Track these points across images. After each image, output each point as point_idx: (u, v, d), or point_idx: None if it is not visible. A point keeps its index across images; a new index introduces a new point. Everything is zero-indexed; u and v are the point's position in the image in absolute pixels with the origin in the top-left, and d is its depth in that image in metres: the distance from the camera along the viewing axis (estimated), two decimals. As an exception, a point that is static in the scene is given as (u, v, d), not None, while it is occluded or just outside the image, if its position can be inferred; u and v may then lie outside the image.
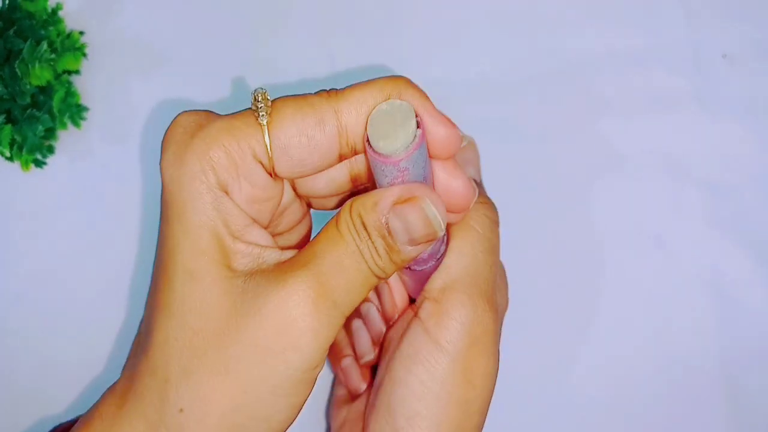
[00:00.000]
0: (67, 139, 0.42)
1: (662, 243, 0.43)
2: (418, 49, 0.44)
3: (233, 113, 0.28)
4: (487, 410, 0.32)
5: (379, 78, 0.29)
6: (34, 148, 0.40)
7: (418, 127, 0.28)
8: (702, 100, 0.44)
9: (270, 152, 0.28)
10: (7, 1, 0.40)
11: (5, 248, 0.41)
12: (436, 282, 0.31)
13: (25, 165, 0.40)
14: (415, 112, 0.28)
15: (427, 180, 0.29)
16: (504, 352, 0.39)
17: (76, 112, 0.41)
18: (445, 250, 0.32)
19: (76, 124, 0.41)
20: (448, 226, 0.32)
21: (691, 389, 0.42)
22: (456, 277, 0.31)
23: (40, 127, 0.40)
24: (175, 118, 0.28)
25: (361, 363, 0.36)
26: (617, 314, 0.42)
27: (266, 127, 0.28)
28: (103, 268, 0.41)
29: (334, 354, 0.38)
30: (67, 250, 0.41)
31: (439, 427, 0.31)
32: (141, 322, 0.31)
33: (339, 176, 0.31)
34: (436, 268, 0.32)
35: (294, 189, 0.31)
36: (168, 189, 0.28)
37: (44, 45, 0.39)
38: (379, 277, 0.28)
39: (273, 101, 0.28)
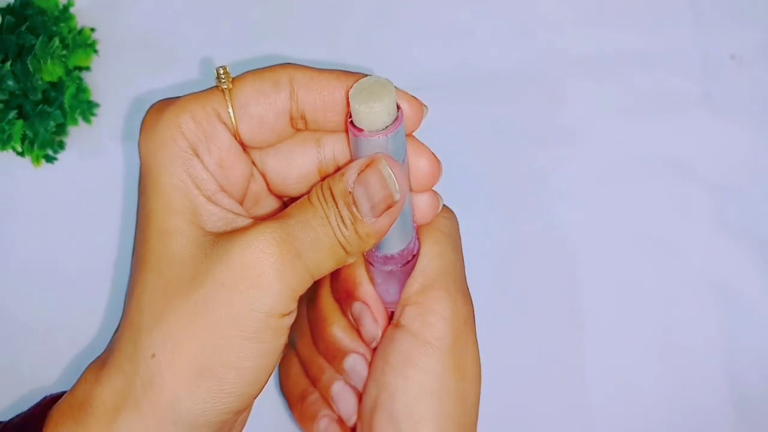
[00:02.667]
0: (77, 135, 0.42)
1: (669, 245, 0.43)
2: (421, 48, 0.44)
3: (199, 92, 0.31)
4: (479, 405, 0.33)
5: (338, 70, 0.31)
6: (45, 144, 0.40)
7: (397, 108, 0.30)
8: (710, 101, 0.44)
9: (233, 113, 0.30)
10: (19, -2, 0.40)
11: (16, 243, 0.41)
12: (413, 286, 0.33)
13: (36, 160, 0.40)
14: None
15: (405, 161, 0.31)
16: (507, 354, 0.39)
17: (87, 108, 0.41)
18: (418, 252, 0.33)
19: (87, 120, 0.41)
20: (419, 229, 0.33)
21: (696, 392, 0.42)
22: (432, 276, 0.33)
23: (52, 123, 0.40)
24: (149, 110, 0.31)
25: (348, 425, 0.35)
26: (623, 317, 0.42)
27: (228, 92, 0.30)
28: (113, 263, 0.41)
29: (305, 413, 0.36)
30: (76, 245, 0.42)
31: (442, 426, 0.31)
32: None
33: (309, 172, 0.32)
34: (410, 270, 0.33)
35: (268, 186, 0.33)
36: (144, 161, 0.30)
37: (56, 41, 0.39)
38: (345, 250, 0.29)
39: (235, 77, 0.31)
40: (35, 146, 0.40)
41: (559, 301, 0.42)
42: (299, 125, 0.31)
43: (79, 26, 0.42)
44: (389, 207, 0.30)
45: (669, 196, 0.43)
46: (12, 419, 0.31)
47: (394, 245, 0.32)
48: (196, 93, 0.31)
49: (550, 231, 0.43)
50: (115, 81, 0.43)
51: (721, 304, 0.42)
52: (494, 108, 0.43)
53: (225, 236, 0.29)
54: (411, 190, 0.32)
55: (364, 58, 0.44)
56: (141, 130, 0.31)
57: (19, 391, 0.40)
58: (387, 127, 0.29)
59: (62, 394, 0.31)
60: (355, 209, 0.29)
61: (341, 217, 0.29)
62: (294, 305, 0.29)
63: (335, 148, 0.32)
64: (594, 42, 0.44)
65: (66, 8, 0.41)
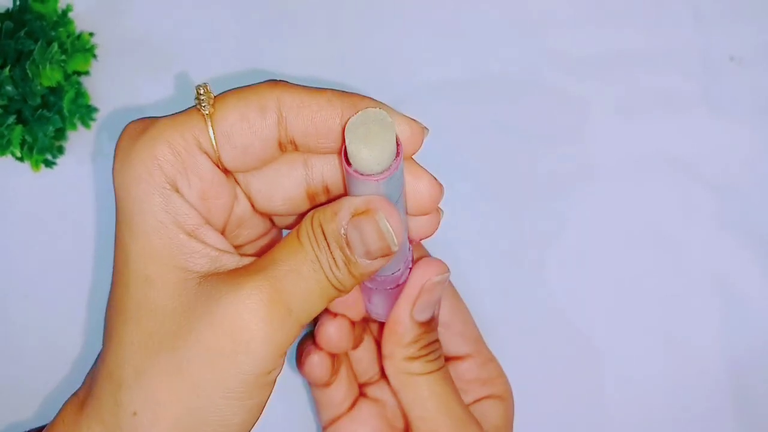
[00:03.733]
0: (76, 139, 0.42)
1: (671, 244, 0.43)
2: (422, 47, 0.44)
3: (171, 115, 0.29)
4: None
5: (327, 89, 0.28)
6: (44, 149, 0.40)
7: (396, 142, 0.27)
8: (710, 102, 0.44)
9: (214, 141, 0.28)
10: (17, 2, 0.40)
11: (14, 247, 0.41)
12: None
13: (35, 165, 0.40)
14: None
15: (402, 195, 0.29)
16: (511, 351, 0.39)
17: (86, 113, 0.41)
18: (410, 273, 0.33)
19: (86, 125, 0.41)
20: (416, 247, 0.34)
21: (698, 389, 0.42)
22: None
23: (51, 128, 0.40)
24: (124, 130, 0.29)
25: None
26: (625, 314, 0.42)
27: (208, 117, 0.28)
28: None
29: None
30: (75, 250, 0.42)
31: None
32: None
33: (296, 195, 0.30)
34: (400, 291, 0.33)
35: (253, 206, 0.31)
36: (117, 196, 0.28)
37: (55, 46, 0.39)
38: (338, 289, 0.28)
39: (217, 96, 0.28)
40: (34, 151, 0.40)
41: (562, 300, 0.42)
42: (288, 149, 0.29)
43: (77, 31, 0.42)
44: (385, 256, 0.28)
45: (670, 195, 0.43)
46: None
47: (387, 269, 0.31)
48: (174, 116, 0.28)
49: (552, 230, 0.43)
50: (114, 85, 0.43)
51: (723, 302, 0.42)
52: (495, 108, 0.43)
53: (209, 283, 0.27)
54: (409, 213, 0.30)
55: (366, 59, 0.44)
56: (114, 158, 0.28)
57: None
58: (383, 171, 0.27)
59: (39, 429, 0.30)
60: (348, 252, 0.27)
61: (334, 259, 0.27)
62: (283, 359, 0.27)
63: (324, 170, 0.30)
64: (595, 42, 0.44)
65: (64, 13, 0.41)
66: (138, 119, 0.29)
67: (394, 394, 0.34)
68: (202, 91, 0.28)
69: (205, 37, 0.44)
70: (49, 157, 0.41)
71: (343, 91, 0.28)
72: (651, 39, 0.45)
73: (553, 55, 0.44)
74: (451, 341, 0.37)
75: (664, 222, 0.43)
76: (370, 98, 0.29)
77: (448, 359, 0.37)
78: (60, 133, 0.41)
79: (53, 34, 0.40)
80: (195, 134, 0.28)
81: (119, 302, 0.28)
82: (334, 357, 0.35)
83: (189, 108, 0.29)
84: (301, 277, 0.27)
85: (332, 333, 0.34)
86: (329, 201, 0.30)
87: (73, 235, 0.42)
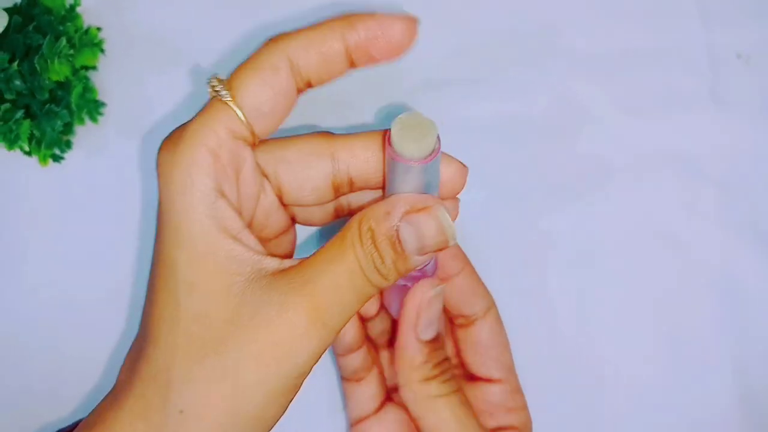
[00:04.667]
0: (83, 134, 0.42)
1: (675, 243, 0.43)
2: (431, 48, 0.44)
3: (200, 111, 0.30)
4: None
5: (324, 21, 0.30)
6: (52, 143, 0.40)
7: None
8: (716, 99, 0.44)
9: (245, 120, 0.29)
10: (26, -3, 0.40)
11: (23, 242, 0.42)
12: None
13: (43, 160, 0.40)
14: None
15: (438, 187, 0.31)
16: (516, 349, 0.39)
17: (93, 107, 0.41)
18: (436, 266, 0.34)
19: (94, 120, 0.41)
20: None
21: (703, 387, 0.42)
22: None
23: (59, 122, 0.40)
24: (161, 145, 0.30)
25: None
26: (629, 314, 0.42)
27: (232, 103, 0.29)
28: (121, 262, 0.42)
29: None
30: (83, 244, 0.42)
31: None
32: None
33: (323, 186, 0.32)
34: (418, 279, 0.34)
35: (280, 198, 0.32)
36: (164, 207, 0.29)
37: (63, 41, 0.39)
38: (377, 287, 0.29)
39: (229, 78, 0.30)
40: (42, 146, 0.40)
41: (567, 296, 0.42)
42: (304, 89, 0.31)
43: (85, 26, 0.42)
44: (441, 250, 0.29)
45: (676, 192, 0.43)
46: None
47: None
48: (201, 116, 0.29)
49: (557, 228, 0.43)
50: (122, 80, 0.43)
51: (729, 300, 0.42)
52: (500, 106, 0.43)
53: (253, 292, 0.28)
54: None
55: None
56: (157, 172, 0.29)
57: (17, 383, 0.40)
58: (426, 156, 0.29)
59: (72, 427, 0.31)
60: (399, 247, 0.29)
61: (381, 257, 0.29)
62: (316, 363, 0.29)
63: (350, 163, 0.32)
64: (601, 40, 0.44)
65: (72, 8, 0.41)
66: (171, 134, 0.30)
67: (415, 421, 0.35)
68: (215, 83, 0.29)
69: (212, 31, 0.44)
70: (57, 151, 0.41)
71: (338, 16, 0.30)
72: (657, 37, 0.44)
73: (559, 54, 0.44)
74: (486, 364, 0.38)
75: (670, 220, 0.43)
76: (367, 14, 0.30)
77: (477, 379, 0.38)
78: (68, 128, 0.41)
79: (61, 28, 0.40)
80: (226, 125, 0.29)
81: (163, 308, 0.29)
82: (369, 349, 0.37)
83: (208, 102, 0.30)
84: (340, 291, 0.29)
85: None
86: (352, 191, 0.32)
87: (81, 230, 0.42)
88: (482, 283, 0.38)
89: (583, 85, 0.44)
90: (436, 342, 0.35)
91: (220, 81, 0.29)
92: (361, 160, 0.31)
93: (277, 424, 0.30)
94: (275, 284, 0.28)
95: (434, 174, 0.30)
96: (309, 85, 0.30)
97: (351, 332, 0.37)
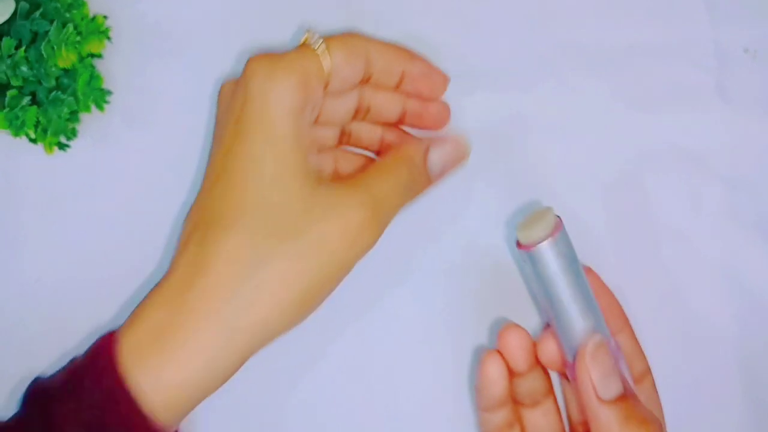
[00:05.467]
0: (89, 122, 0.42)
1: (682, 238, 0.43)
2: (435, 40, 0.44)
3: (293, 50, 0.36)
4: None
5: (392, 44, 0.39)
6: (58, 131, 0.40)
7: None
8: (723, 94, 0.44)
9: (328, 70, 0.36)
10: (33, -17, 0.40)
11: (28, 230, 0.41)
12: None
13: (48, 148, 0.40)
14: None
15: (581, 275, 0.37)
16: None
17: (99, 95, 0.41)
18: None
19: (100, 108, 0.41)
20: (612, 311, 0.39)
21: (709, 384, 0.42)
22: None
23: (65, 110, 0.40)
24: (251, 58, 0.35)
25: None
26: (636, 310, 0.42)
27: (325, 55, 0.36)
28: (125, 250, 0.41)
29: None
30: (89, 232, 0.42)
31: None
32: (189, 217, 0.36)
33: (351, 109, 0.39)
34: None
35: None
36: (256, 106, 0.34)
37: (70, 27, 0.39)
38: (416, 194, 0.38)
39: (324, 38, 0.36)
40: (48, 133, 0.40)
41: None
42: (363, 79, 0.39)
43: (91, 13, 0.42)
44: (459, 162, 0.41)
45: (682, 188, 0.43)
46: (74, 360, 0.34)
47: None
48: (298, 52, 0.36)
49: (564, 223, 0.43)
50: (128, 68, 0.43)
51: (734, 296, 0.42)
52: (508, 100, 0.43)
53: (323, 193, 0.34)
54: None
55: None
56: (252, 73, 0.35)
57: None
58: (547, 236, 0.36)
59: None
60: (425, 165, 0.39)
61: (420, 171, 0.38)
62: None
63: (371, 98, 0.40)
64: (608, 34, 0.44)
65: (79, -5, 0.41)
66: (262, 56, 0.35)
67: None
68: (313, 35, 0.36)
69: (217, 20, 0.44)
70: (62, 139, 0.41)
71: (402, 47, 0.40)
72: (664, 31, 0.44)
73: (565, 48, 0.44)
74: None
75: (676, 215, 0.43)
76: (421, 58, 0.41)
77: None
78: (74, 116, 0.41)
79: (68, 15, 0.40)
80: (315, 67, 0.35)
81: (243, 196, 0.34)
82: (514, 408, 0.38)
83: (299, 47, 0.36)
84: (392, 195, 0.36)
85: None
86: (363, 119, 0.41)
87: (86, 218, 0.42)
88: (641, 348, 0.39)
89: (589, 80, 0.44)
90: (625, 398, 0.35)
91: (316, 37, 0.36)
92: (381, 96, 0.40)
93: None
94: (341, 187, 0.35)
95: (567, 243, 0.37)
96: (367, 80, 0.38)
97: (500, 386, 0.37)
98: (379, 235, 0.35)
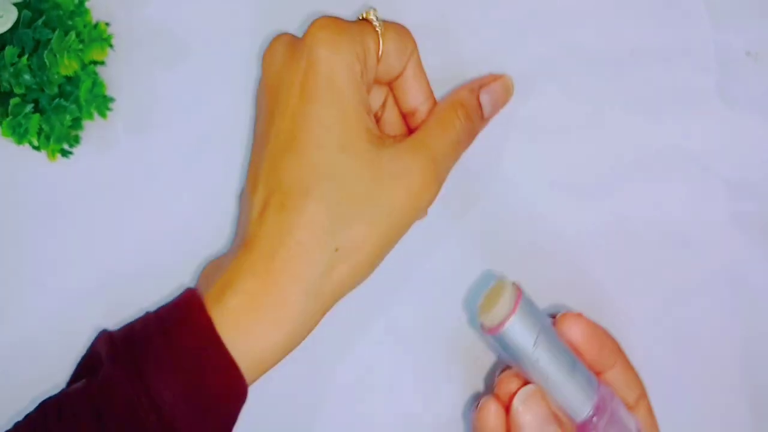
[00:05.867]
0: (92, 129, 0.42)
1: (685, 240, 0.43)
2: (440, 43, 0.44)
3: (353, 21, 0.38)
4: None
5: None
6: (61, 138, 0.40)
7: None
8: (726, 97, 0.44)
9: (381, 51, 0.38)
10: (35, -8, 0.40)
11: (31, 236, 0.42)
12: None
13: (51, 155, 0.40)
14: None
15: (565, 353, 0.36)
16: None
17: (102, 102, 0.41)
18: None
19: (102, 115, 0.41)
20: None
21: (712, 388, 0.42)
22: None
23: (68, 117, 0.40)
24: (316, 21, 0.37)
25: None
26: (639, 312, 0.42)
27: (382, 36, 0.38)
28: (129, 256, 0.42)
29: None
30: (91, 238, 0.42)
31: None
32: (245, 191, 0.38)
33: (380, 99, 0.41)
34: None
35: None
36: (323, 73, 0.36)
37: (72, 35, 0.39)
38: (469, 143, 0.40)
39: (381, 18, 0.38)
40: (51, 140, 0.40)
41: (575, 297, 0.42)
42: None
43: (94, 21, 0.42)
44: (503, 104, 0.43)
45: (685, 191, 0.43)
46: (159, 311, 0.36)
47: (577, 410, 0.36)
48: (359, 25, 0.37)
49: (566, 226, 0.43)
50: (130, 75, 0.43)
51: (737, 299, 0.42)
52: (511, 103, 0.43)
53: (388, 158, 0.36)
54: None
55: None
56: (318, 38, 0.36)
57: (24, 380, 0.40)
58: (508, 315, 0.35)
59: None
60: (480, 111, 0.41)
61: (473, 120, 0.40)
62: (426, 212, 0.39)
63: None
64: (610, 37, 0.44)
65: (81, 2, 0.41)
66: (326, 21, 0.37)
67: None
68: (375, 13, 0.38)
69: (220, 26, 0.44)
70: (65, 146, 0.41)
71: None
72: (666, 34, 0.44)
73: (568, 51, 0.44)
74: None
75: (679, 218, 0.43)
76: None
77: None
78: (76, 123, 0.41)
79: (70, 23, 0.40)
80: (372, 42, 0.37)
81: (314, 164, 0.35)
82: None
83: (359, 20, 0.38)
84: (448, 151, 0.38)
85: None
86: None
87: (89, 224, 0.42)
88: (635, 374, 0.39)
89: (591, 83, 0.44)
90: None
91: (378, 19, 0.38)
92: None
93: None
94: (403, 149, 0.37)
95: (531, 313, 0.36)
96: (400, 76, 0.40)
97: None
98: (438, 191, 0.38)
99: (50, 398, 0.34)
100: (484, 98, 0.41)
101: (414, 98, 0.40)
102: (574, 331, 0.37)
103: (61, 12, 0.40)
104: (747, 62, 0.44)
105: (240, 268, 0.35)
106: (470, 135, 0.40)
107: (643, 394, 0.39)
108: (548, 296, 0.42)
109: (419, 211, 0.37)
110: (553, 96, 0.44)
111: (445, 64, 0.43)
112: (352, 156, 0.36)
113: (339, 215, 0.35)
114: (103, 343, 0.35)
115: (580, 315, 0.38)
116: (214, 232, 0.42)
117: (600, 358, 0.38)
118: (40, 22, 0.39)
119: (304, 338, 0.36)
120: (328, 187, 0.35)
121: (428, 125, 0.39)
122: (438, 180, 0.38)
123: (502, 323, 0.35)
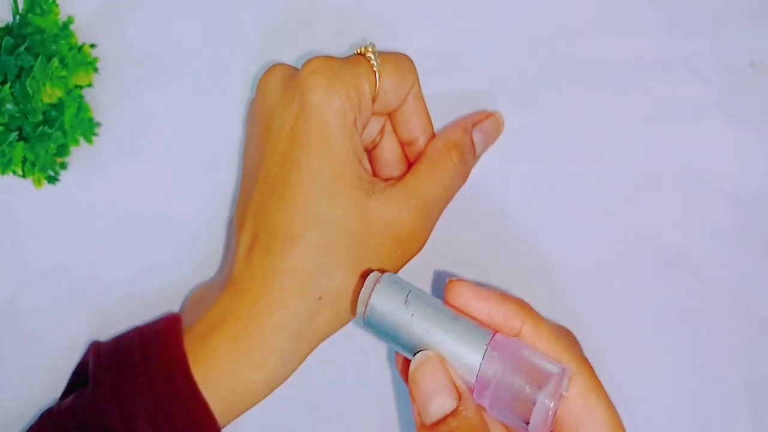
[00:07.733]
0: (79, 152, 0.42)
1: (686, 255, 0.42)
2: (440, 57, 0.43)
3: (349, 58, 0.37)
4: None
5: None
6: (46, 166, 0.40)
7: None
8: (728, 108, 0.43)
9: (377, 90, 0.37)
10: (17, 17, 0.40)
11: (21, 261, 0.41)
12: None
13: (37, 182, 0.40)
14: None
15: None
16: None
17: (88, 127, 0.41)
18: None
19: (89, 140, 0.41)
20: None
21: (714, 406, 0.41)
22: None
23: (52, 145, 0.39)
24: (309, 63, 0.36)
25: None
26: (641, 327, 0.42)
27: (378, 73, 0.37)
28: (117, 278, 0.41)
29: None
30: (81, 263, 0.42)
31: None
32: (230, 242, 0.38)
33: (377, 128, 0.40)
34: None
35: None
36: (313, 120, 0.35)
37: (55, 62, 0.39)
38: (463, 181, 0.40)
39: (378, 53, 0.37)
40: (36, 168, 0.40)
41: (576, 310, 0.42)
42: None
43: (79, 42, 0.41)
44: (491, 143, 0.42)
45: (686, 204, 0.43)
46: (141, 328, 0.37)
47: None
48: (353, 63, 0.36)
49: (566, 241, 0.42)
50: (117, 96, 0.42)
51: (739, 315, 0.42)
52: (510, 115, 0.42)
53: (377, 205, 0.36)
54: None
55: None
56: (312, 85, 0.35)
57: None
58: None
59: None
60: (473, 149, 0.40)
61: (465, 160, 0.39)
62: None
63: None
64: (611, 49, 0.43)
65: (66, 25, 0.41)
66: (319, 57, 0.36)
67: None
68: (372, 49, 0.37)
69: (206, 47, 0.43)
70: (51, 173, 0.40)
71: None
72: (668, 45, 0.43)
73: (568, 63, 0.43)
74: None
75: (679, 233, 0.42)
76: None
77: None
78: (62, 149, 0.40)
79: (54, 47, 0.40)
80: (368, 84, 0.36)
81: (301, 211, 0.35)
82: None
83: (354, 56, 0.37)
84: (439, 193, 0.38)
85: None
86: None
87: (77, 248, 0.42)
88: (550, 329, 0.35)
89: (591, 95, 0.43)
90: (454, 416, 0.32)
91: (375, 51, 0.37)
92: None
93: None
94: (391, 197, 0.36)
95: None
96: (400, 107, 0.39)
97: None
98: (428, 238, 0.38)
99: (49, 410, 0.36)
100: (477, 137, 0.40)
101: (413, 130, 0.40)
102: (455, 293, 0.34)
103: (44, 36, 0.40)
104: (749, 73, 0.43)
105: (224, 310, 0.35)
106: (463, 176, 0.39)
107: (571, 345, 0.35)
108: (545, 312, 0.41)
109: (408, 257, 0.37)
110: (551, 108, 0.43)
111: (440, 82, 0.42)
112: (340, 204, 0.35)
113: (324, 264, 0.35)
114: (92, 356, 0.36)
115: (462, 280, 0.35)
116: (203, 256, 0.42)
117: (498, 318, 0.34)
118: (22, 48, 0.39)
119: (285, 379, 0.36)
120: (314, 236, 0.35)
121: (420, 168, 0.38)
122: (428, 228, 0.37)
123: (368, 300, 0.33)
